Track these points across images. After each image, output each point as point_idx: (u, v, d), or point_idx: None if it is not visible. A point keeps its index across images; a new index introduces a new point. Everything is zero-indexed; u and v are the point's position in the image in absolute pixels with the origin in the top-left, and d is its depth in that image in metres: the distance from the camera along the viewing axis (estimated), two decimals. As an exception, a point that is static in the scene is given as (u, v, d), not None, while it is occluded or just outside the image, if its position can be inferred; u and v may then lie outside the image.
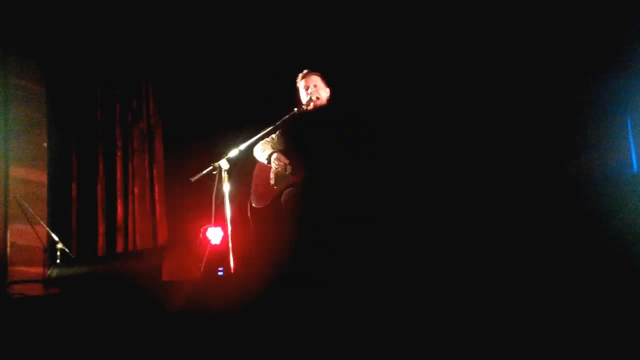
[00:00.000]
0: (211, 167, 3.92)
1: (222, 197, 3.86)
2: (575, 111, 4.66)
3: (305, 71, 4.19)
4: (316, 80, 4.15)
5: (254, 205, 4.26)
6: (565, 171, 4.55)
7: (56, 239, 5.17)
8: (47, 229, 5.37)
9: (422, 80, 5.09)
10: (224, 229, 3.93)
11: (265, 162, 4.19)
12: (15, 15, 5.81)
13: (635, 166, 4.57)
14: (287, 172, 4.11)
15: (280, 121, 4.13)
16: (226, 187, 3.87)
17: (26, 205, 5.42)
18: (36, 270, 5.50)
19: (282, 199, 3.85)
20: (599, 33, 4.61)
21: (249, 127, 4.14)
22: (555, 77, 4.75)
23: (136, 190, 6.17)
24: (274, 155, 4.12)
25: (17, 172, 5.65)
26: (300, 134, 4.04)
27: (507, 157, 4.82)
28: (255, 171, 4.39)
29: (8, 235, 5.48)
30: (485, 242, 2.80)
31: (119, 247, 5.99)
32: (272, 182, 4.21)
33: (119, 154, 6.22)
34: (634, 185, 4.38)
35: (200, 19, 5.91)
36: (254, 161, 4.36)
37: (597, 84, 4.62)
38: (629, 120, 4.64)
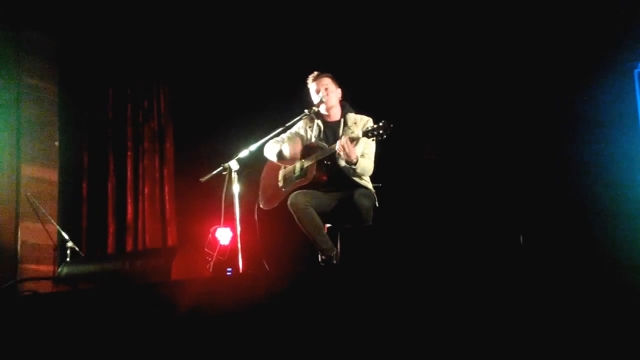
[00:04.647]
0: (221, 168, 3.93)
1: (232, 197, 3.87)
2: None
3: (315, 73, 4.20)
4: (327, 82, 4.15)
5: (261, 206, 4.27)
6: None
7: (66, 237, 5.19)
8: (58, 227, 5.39)
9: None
10: (233, 230, 3.93)
11: (276, 159, 4.20)
12: (28, 15, 5.85)
13: None
14: (295, 175, 4.12)
15: (292, 122, 4.15)
16: (236, 187, 3.88)
17: (37, 203, 5.45)
18: (46, 268, 5.52)
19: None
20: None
21: (260, 128, 4.15)
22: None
23: (146, 190, 6.20)
24: (287, 148, 4.12)
25: (28, 170, 5.69)
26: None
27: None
28: (264, 173, 4.39)
29: (19, 233, 5.52)
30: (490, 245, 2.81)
31: (129, 247, 6.02)
32: (280, 184, 4.21)
33: (129, 153, 6.25)
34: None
35: (211, 19, 5.94)
36: (264, 162, 4.37)
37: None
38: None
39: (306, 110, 4.11)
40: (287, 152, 4.12)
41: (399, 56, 5.32)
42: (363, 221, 3.83)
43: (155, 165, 6.30)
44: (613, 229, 4.32)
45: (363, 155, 4.02)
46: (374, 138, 3.82)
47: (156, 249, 5.62)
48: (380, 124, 3.77)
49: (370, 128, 3.80)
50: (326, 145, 4.01)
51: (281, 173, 4.25)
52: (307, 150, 4.11)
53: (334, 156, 3.95)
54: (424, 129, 5.09)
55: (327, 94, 4.10)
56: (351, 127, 4.07)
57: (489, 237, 2.82)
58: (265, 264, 4.29)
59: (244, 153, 3.95)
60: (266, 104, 5.43)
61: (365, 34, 5.38)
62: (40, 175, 5.78)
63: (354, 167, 3.89)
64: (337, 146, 3.86)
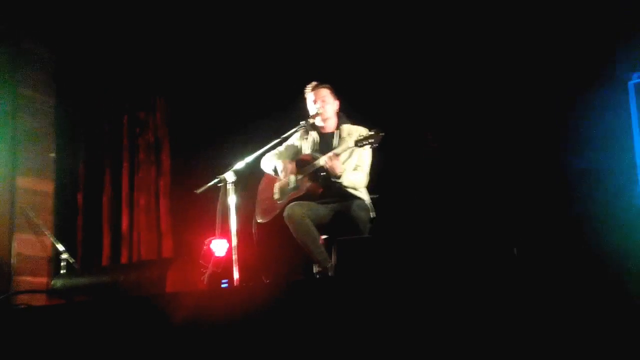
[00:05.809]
0: (217, 180, 3.93)
1: (227, 209, 3.86)
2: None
3: (314, 83, 4.21)
4: (324, 93, 4.16)
5: (258, 220, 4.25)
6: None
7: (61, 249, 5.18)
8: (53, 239, 5.38)
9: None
10: (229, 241, 3.93)
11: (272, 173, 4.21)
12: (25, 26, 5.86)
13: None
14: (289, 187, 4.12)
15: (288, 133, 4.15)
16: (232, 199, 3.88)
17: (32, 215, 5.44)
18: (41, 281, 5.51)
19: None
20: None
21: (256, 140, 4.16)
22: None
23: (142, 201, 6.18)
24: (281, 166, 4.13)
25: (24, 182, 5.68)
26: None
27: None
28: (261, 186, 4.39)
29: (14, 245, 5.50)
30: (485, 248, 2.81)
31: (124, 259, 5.99)
32: (275, 196, 4.21)
33: (125, 165, 6.23)
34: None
35: (208, 31, 5.95)
36: (260, 174, 4.37)
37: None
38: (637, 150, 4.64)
39: (302, 122, 4.12)
40: (281, 168, 4.13)
41: (400, 58, 5.31)
42: (360, 233, 3.83)
43: (151, 176, 6.28)
44: (608, 240, 4.31)
45: (356, 168, 4.03)
46: (365, 147, 3.84)
47: (151, 261, 5.61)
48: (372, 132, 3.79)
49: (361, 137, 3.81)
50: (320, 157, 4.01)
51: (277, 185, 4.24)
52: (302, 162, 4.11)
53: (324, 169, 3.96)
54: (419, 138, 5.09)
55: (324, 106, 4.11)
56: (346, 139, 4.07)
57: (483, 249, 2.82)
58: (264, 278, 4.29)
59: (240, 165, 3.95)
60: (263, 116, 5.43)
61: (363, 29, 5.36)
62: (36, 187, 5.78)
63: (339, 181, 3.91)
64: (321, 161, 3.89)
